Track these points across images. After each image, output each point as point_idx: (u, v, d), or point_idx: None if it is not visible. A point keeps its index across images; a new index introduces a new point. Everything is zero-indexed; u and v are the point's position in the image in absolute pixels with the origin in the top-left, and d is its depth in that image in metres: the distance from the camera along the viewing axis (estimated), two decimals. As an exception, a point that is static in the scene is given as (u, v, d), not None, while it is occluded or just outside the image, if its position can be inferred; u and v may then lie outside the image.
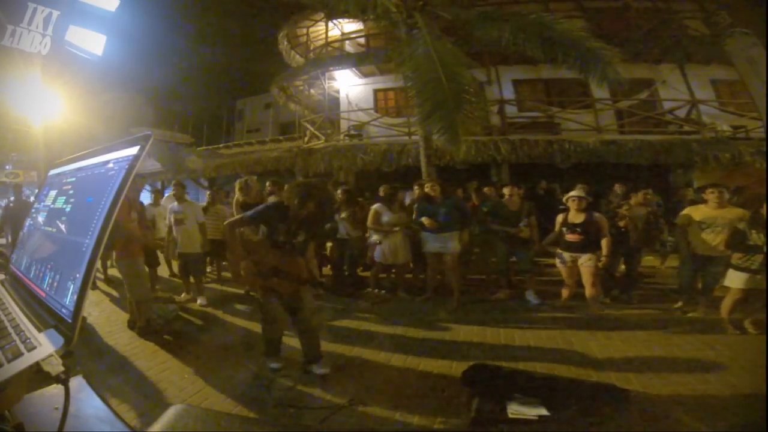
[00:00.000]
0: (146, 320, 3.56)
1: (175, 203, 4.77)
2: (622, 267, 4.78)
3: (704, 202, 4.15)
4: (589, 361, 3.00)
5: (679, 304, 4.19)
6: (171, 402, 2.21)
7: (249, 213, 2.75)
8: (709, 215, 3.91)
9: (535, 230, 4.52)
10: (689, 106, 8.72)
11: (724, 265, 3.73)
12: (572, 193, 4.15)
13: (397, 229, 4.57)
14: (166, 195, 6.60)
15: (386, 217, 4.56)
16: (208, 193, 5.84)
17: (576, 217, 4.08)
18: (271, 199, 4.57)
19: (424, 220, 4.39)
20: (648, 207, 4.70)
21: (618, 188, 5.73)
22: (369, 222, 4.64)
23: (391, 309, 4.39)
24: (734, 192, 4.48)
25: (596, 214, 4.06)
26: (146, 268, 4.00)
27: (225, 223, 2.76)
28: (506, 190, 4.76)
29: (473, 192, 5.92)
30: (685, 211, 4.14)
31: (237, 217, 2.90)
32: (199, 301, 4.54)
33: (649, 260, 5.82)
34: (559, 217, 4.23)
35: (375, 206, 4.69)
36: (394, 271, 4.97)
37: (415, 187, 4.94)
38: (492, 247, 5.26)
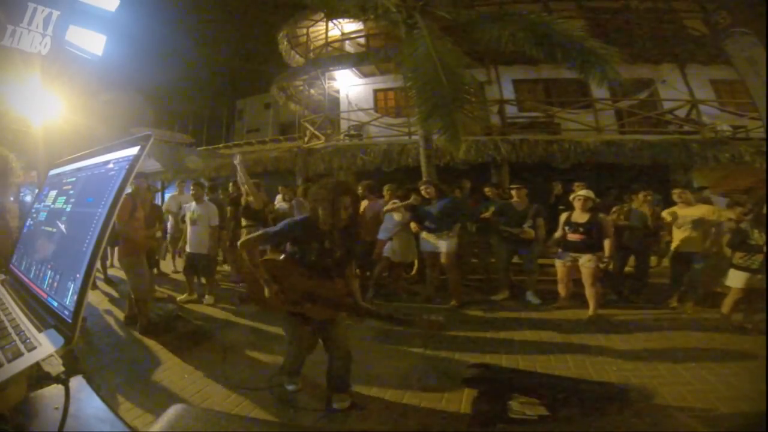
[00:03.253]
0: (147, 318, 3.58)
1: (193, 203, 4.76)
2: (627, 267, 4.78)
3: (706, 202, 4.30)
4: (588, 360, 3.00)
5: (674, 302, 4.25)
6: (171, 402, 2.21)
7: (270, 230, 2.34)
8: (679, 214, 4.19)
9: (541, 231, 4.49)
10: (689, 106, 8.72)
11: (704, 261, 4.02)
12: (579, 193, 4.16)
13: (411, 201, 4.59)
14: (169, 194, 6.60)
15: (399, 217, 4.58)
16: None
17: (580, 217, 4.08)
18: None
19: (411, 225, 4.49)
20: (650, 209, 4.70)
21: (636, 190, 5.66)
22: (387, 207, 4.65)
23: (390, 308, 4.39)
24: (698, 190, 4.71)
25: (601, 215, 4.06)
26: (148, 267, 4.05)
27: (240, 242, 2.30)
28: (513, 191, 4.73)
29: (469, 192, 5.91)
30: (665, 212, 4.39)
31: (254, 234, 2.34)
32: (205, 300, 4.56)
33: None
34: (563, 217, 4.24)
35: (392, 201, 4.71)
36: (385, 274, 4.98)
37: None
38: (491, 247, 5.27)
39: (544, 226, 4.56)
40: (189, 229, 4.67)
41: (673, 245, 4.23)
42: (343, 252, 2.25)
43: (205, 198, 4.87)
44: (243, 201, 4.92)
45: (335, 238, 2.21)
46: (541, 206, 4.66)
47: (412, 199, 4.57)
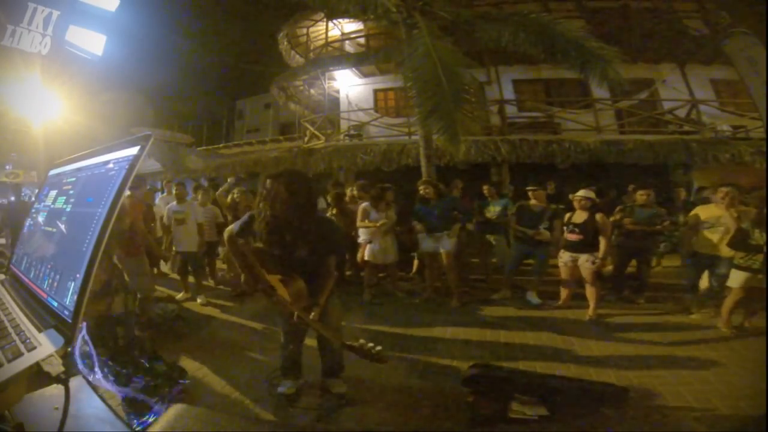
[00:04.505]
0: (148, 317, 3.61)
1: (175, 203, 4.79)
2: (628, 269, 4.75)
3: (706, 202, 4.18)
4: (589, 361, 3.00)
5: (684, 303, 4.18)
6: (171, 402, 2.21)
7: (236, 224, 2.29)
8: (714, 215, 3.93)
9: (557, 233, 4.42)
10: (689, 106, 8.72)
11: (729, 265, 3.74)
12: (578, 193, 4.17)
13: (381, 226, 4.54)
14: (159, 195, 6.63)
15: (373, 216, 4.58)
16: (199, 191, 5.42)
17: (578, 217, 4.09)
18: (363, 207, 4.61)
19: (415, 224, 4.50)
20: (651, 208, 4.65)
21: (632, 190, 5.58)
22: (358, 221, 4.65)
23: (390, 309, 4.39)
24: (743, 192, 4.38)
25: (598, 215, 4.06)
26: (149, 266, 4.09)
27: (225, 234, 2.34)
28: (530, 193, 4.66)
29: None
30: (694, 211, 4.17)
31: (231, 226, 2.36)
32: (198, 300, 4.58)
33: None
34: (566, 217, 4.25)
35: (363, 205, 4.70)
36: (382, 274, 4.98)
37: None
38: (490, 247, 5.28)
39: (561, 228, 4.50)
40: (176, 228, 4.68)
41: (697, 246, 3.99)
42: (307, 247, 2.12)
43: (188, 197, 4.92)
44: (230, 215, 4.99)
45: (285, 230, 2.12)
46: (559, 208, 4.62)
47: (380, 224, 4.51)
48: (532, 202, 4.61)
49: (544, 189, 4.66)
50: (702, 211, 4.07)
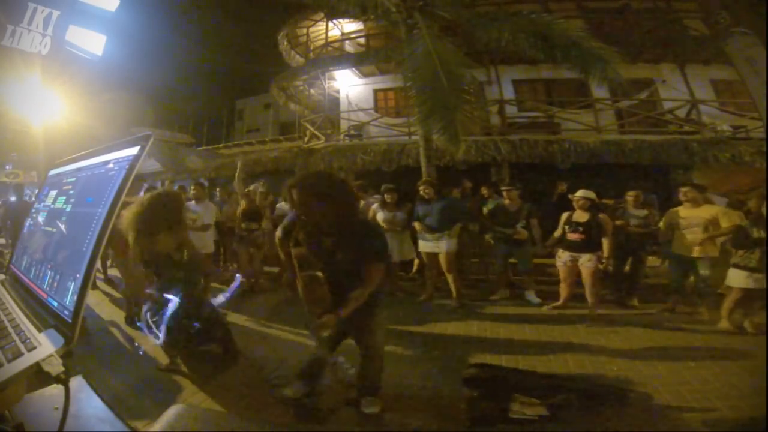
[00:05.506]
0: (131, 312, 3.67)
1: (193, 203, 4.78)
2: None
3: (708, 202, 4.19)
4: (588, 360, 2.99)
5: (668, 304, 4.18)
6: (171, 402, 2.21)
7: (280, 229, 2.27)
8: (685, 215, 3.93)
9: (535, 231, 4.50)
10: (689, 106, 8.72)
11: (708, 265, 3.78)
12: (578, 193, 4.18)
13: (399, 222, 4.61)
14: None
15: (381, 216, 4.60)
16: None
17: (580, 217, 4.09)
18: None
19: (415, 224, 4.53)
20: (644, 210, 4.63)
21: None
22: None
23: (389, 308, 4.38)
24: (703, 190, 4.39)
25: (600, 215, 4.07)
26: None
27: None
28: (504, 193, 4.72)
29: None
30: (670, 211, 4.19)
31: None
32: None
33: (651, 260, 5.80)
34: (563, 216, 4.25)
35: (373, 206, 4.79)
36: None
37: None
38: (489, 247, 5.28)
39: (539, 226, 4.54)
40: (192, 229, 4.69)
41: (674, 248, 4.04)
42: (343, 250, 2.02)
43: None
44: (244, 204, 4.97)
45: (310, 235, 2.05)
46: (534, 207, 4.65)
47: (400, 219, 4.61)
48: (507, 201, 4.63)
49: (518, 189, 4.68)
50: (679, 212, 4.07)
